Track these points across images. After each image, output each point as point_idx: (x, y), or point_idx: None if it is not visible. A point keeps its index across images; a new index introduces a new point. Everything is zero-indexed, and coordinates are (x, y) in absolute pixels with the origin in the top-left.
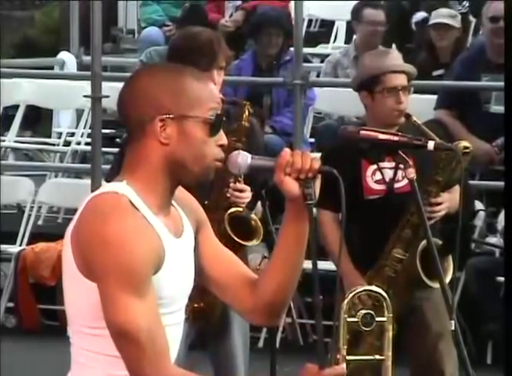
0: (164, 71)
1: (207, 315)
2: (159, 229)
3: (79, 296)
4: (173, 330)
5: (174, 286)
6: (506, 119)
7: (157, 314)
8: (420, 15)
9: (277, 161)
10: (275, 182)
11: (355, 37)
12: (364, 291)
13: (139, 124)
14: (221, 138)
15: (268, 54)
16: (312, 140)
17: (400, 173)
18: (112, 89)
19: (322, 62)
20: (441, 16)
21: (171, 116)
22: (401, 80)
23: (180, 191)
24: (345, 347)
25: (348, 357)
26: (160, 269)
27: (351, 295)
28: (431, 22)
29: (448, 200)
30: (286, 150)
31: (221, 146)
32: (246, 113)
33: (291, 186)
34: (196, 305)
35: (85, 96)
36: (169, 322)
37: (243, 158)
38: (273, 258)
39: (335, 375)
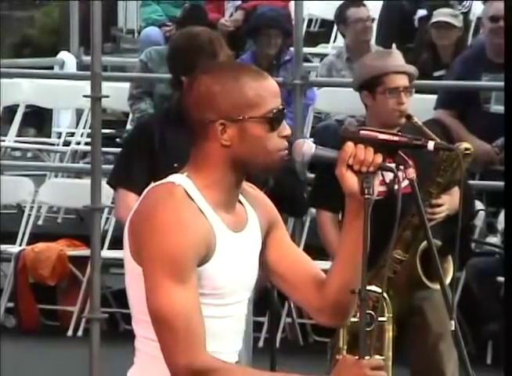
0: (222, 74)
1: None
2: (213, 222)
3: (134, 282)
4: (229, 322)
5: (227, 278)
6: (506, 119)
7: (197, 303)
8: (422, 12)
9: (340, 153)
10: (337, 174)
11: (344, 39)
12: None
13: (201, 127)
14: (284, 129)
15: (268, 54)
16: (312, 140)
17: (401, 174)
18: (112, 89)
19: (321, 61)
20: (443, 14)
21: (230, 119)
22: (403, 81)
23: (253, 189)
24: (345, 347)
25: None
26: (209, 260)
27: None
28: (433, 20)
29: (449, 202)
30: (350, 143)
31: (284, 136)
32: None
33: (351, 179)
34: None
35: (85, 96)
36: (222, 314)
37: (308, 147)
38: (337, 258)
39: (374, 365)
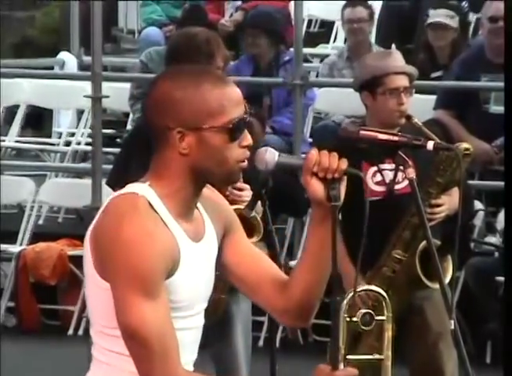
0: (183, 79)
1: (210, 314)
2: (176, 233)
3: (97, 296)
4: (190, 333)
5: (190, 290)
6: (505, 119)
7: (168, 317)
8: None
9: (304, 161)
10: (302, 182)
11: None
12: (363, 290)
13: (161, 134)
14: (245, 139)
15: (256, 55)
16: (311, 140)
17: (400, 175)
18: (112, 89)
19: (322, 62)
20: (439, 15)
21: (189, 127)
22: (403, 81)
23: (211, 191)
24: (344, 346)
25: (348, 356)
26: (175, 273)
27: (350, 295)
28: (429, 21)
29: (448, 202)
30: (314, 150)
31: (245, 146)
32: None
33: (316, 187)
34: None
35: (86, 96)
36: (186, 325)
37: (271, 155)
38: (301, 260)
39: (348, 375)
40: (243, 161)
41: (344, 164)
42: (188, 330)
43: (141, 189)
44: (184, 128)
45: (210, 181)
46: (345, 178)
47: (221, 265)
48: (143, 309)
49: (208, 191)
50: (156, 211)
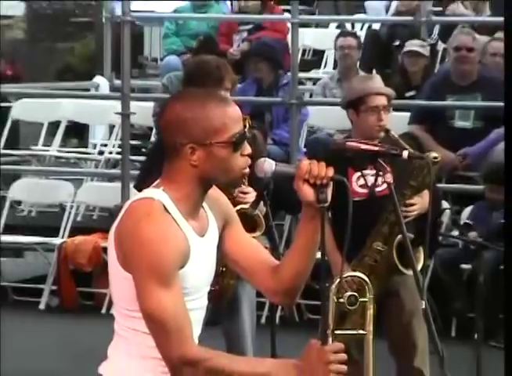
0: (191, 101)
1: (221, 296)
2: (186, 231)
3: (119, 284)
4: (197, 313)
5: (198, 278)
6: (506, 119)
7: (182, 302)
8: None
9: (297, 169)
10: (295, 187)
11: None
12: (349, 276)
13: (173, 148)
14: (245, 149)
15: (259, 78)
16: (305, 150)
17: (380, 179)
18: (138, 107)
19: (314, 84)
20: (413, 45)
21: (198, 143)
22: (382, 101)
23: (217, 193)
24: (333, 323)
25: (336, 332)
26: (185, 265)
27: (338, 280)
28: (405, 50)
29: (420, 202)
30: (306, 160)
31: (246, 155)
32: (247, 125)
33: (307, 191)
34: (212, 288)
35: (116, 113)
36: (193, 306)
37: (269, 165)
38: (291, 251)
39: (335, 349)
40: (245, 168)
41: (330, 171)
42: (194, 310)
43: (156, 194)
44: (195, 144)
45: (217, 185)
46: (331, 183)
47: (222, 253)
48: (160, 295)
49: (212, 189)
50: (169, 213)
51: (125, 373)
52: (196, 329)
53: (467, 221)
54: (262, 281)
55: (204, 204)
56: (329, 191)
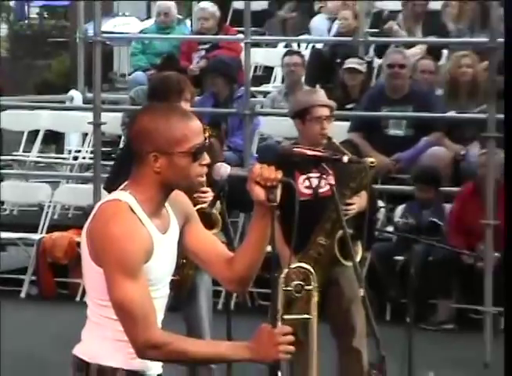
0: (157, 114)
1: (181, 285)
2: (150, 229)
3: (91, 277)
4: (160, 301)
5: (160, 270)
6: (506, 118)
7: (147, 292)
8: (338, 59)
9: (249, 173)
10: (248, 188)
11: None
12: (296, 267)
13: (139, 155)
14: (204, 159)
15: (213, 91)
16: (257, 155)
17: (323, 181)
18: (109, 118)
19: (264, 97)
20: (352, 62)
21: (161, 152)
22: (325, 111)
23: (176, 193)
24: (282, 309)
25: (284, 316)
26: (150, 259)
27: (286, 271)
28: (345, 66)
29: (358, 202)
30: (257, 165)
31: (204, 164)
32: (207, 134)
33: (259, 192)
34: (173, 278)
35: (89, 123)
36: (157, 295)
37: (224, 169)
38: (244, 245)
39: (284, 332)
40: (202, 176)
41: (279, 174)
42: (158, 298)
43: (123, 196)
44: (158, 153)
45: (176, 189)
46: (280, 185)
47: (183, 246)
48: (127, 287)
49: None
50: (135, 213)
51: (98, 353)
52: (160, 315)
53: (406, 220)
54: (219, 271)
55: (166, 204)
56: (278, 192)
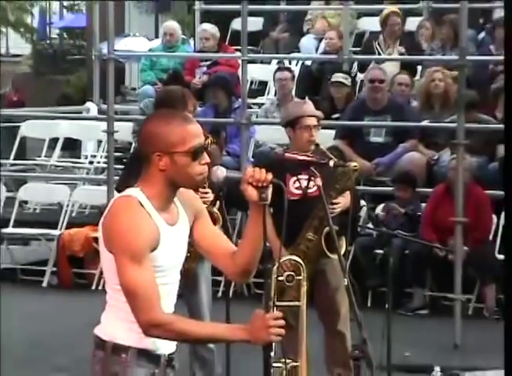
0: (159, 120)
1: (184, 276)
2: (158, 221)
3: (107, 263)
4: (170, 286)
5: (167, 258)
6: (506, 119)
7: (152, 276)
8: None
9: (243, 175)
10: (242, 189)
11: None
12: (287, 260)
13: (146, 156)
14: (204, 158)
15: (215, 103)
16: (252, 160)
17: (312, 183)
18: (121, 127)
19: (259, 108)
20: (338, 77)
21: (164, 152)
22: (313, 121)
23: (188, 192)
24: (275, 297)
25: (277, 303)
26: (156, 248)
27: (278, 263)
28: (332, 80)
29: (343, 201)
30: (250, 168)
31: (204, 164)
32: (209, 141)
33: (252, 192)
34: None
35: (103, 131)
36: (166, 281)
37: (221, 172)
38: (243, 240)
39: (275, 316)
40: (202, 174)
41: (270, 176)
42: (168, 284)
43: (134, 192)
44: (161, 153)
45: (180, 186)
46: (271, 186)
47: (193, 240)
48: (133, 271)
49: (185, 190)
50: (143, 207)
51: (113, 332)
52: (171, 299)
53: (378, 213)
54: (223, 264)
55: (177, 201)
56: (269, 192)
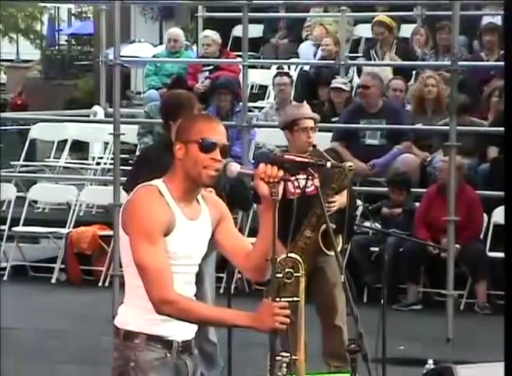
0: (187, 118)
1: None
2: (175, 210)
3: (125, 247)
4: (184, 276)
5: (180, 248)
6: (506, 120)
7: (164, 257)
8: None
9: (256, 171)
10: (254, 184)
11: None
12: (286, 257)
13: (174, 149)
14: (215, 154)
15: (222, 106)
16: (253, 161)
17: (310, 182)
18: (126, 129)
19: (260, 111)
20: (338, 82)
21: (181, 141)
22: (310, 123)
23: (213, 197)
24: (274, 293)
25: (276, 299)
26: (170, 233)
27: (278, 260)
28: (332, 86)
29: (340, 200)
30: (262, 165)
31: (213, 159)
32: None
33: (263, 187)
34: None
35: (110, 134)
36: (180, 270)
37: (235, 167)
38: (258, 237)
39: (282, 305)
40: (211, 168)
41: (281, 173)
42: (182, 274)
43: (156, 182)
44: (180, 143)
45: (194, 178)
46: (282, 182)
47: (214, 240)
48: (146, 250)
49: (210, 194)
50: (163, 195)
51: (126, 319)
52: (189, 289)
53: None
54: (240, 262)
55: (202, 201)
56: (280, 188)
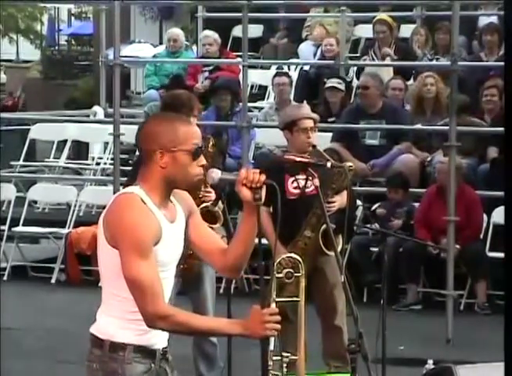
0: (162, 119)
1: (188, 273)
2: (159, 217)
3: (107, 259)
4: (168, 281)
5: (167, 254)
6: (506, 119)
7: (156, 271)
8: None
9: (238, 176)
10: (236, 190)
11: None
12: (286, 257)
13: (147, 154)
14: (201, 160)
15: (222, 106)
16: (253, 161)
17: (309, 183)
18: (126, 130)
19: (259, 112)
20: (333, 82)
21: (166, 150)
22: (310, 123)
23: (181, 192)
24: (275, 293)
25: (277, 299)
26: (158, 243)
27: (278, 260)
28: (326, 86)
29: (339, 200)
30: (244, 169)
31: (201, 166)
32: (210, 143)
33: (246, 192)
34: (181, 267)
35: (109, 134)
36: (164, 276)
37: (216, 174)
38: (235, 238)
39: (271, 312)
40: (199, 175)
41: (262, 177)
42: (165, 279)
43: (134, 189)
44: (163, 150)
45: (177, 186)
46: (264, 187)
47: (189, 241)
48: (139, 265)
49: (179, 191)
50: (145, 203)
51: (109, 330)
52: (167, 293)
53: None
54: (214, 260)
55: (173, 199)
56: (263, 192)
